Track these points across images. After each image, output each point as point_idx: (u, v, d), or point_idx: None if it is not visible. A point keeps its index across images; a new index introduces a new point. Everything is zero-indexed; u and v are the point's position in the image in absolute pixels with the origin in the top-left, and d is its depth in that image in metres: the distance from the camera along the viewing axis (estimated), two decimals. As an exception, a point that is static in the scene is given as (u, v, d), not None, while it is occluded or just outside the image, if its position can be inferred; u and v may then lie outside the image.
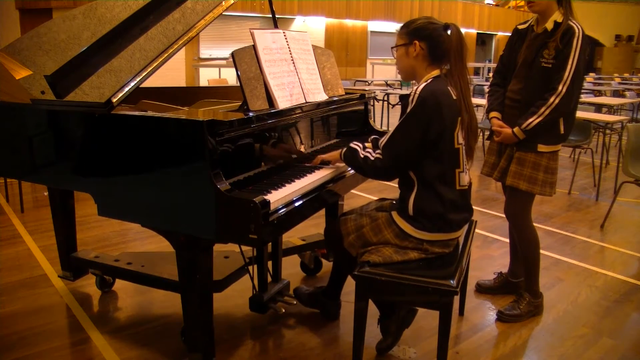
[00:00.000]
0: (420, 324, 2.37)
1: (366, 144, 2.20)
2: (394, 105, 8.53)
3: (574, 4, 2.31)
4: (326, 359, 2.17)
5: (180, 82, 12.83)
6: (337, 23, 17.26)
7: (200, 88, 3.28)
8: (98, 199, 1.89)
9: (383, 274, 1.86)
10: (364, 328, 1.95)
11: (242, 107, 2.00)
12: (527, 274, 2.55)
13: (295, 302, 2.40)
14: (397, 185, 2.02)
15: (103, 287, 2.71)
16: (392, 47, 1.99)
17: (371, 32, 18.01)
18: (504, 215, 2.60)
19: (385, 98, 8.32)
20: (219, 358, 2.12)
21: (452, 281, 1.82)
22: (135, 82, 1.81)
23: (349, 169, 2.12)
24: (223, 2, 2.07)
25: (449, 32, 1.89)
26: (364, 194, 4.50)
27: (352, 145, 1.99)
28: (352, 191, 4.35)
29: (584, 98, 6.55)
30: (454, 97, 1.88)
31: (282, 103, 2.04)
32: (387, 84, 11.20)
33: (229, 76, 9.52)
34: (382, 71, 16.48)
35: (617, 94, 9.25)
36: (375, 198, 2.32)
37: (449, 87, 1.88)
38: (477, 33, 21.27)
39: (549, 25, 2.29)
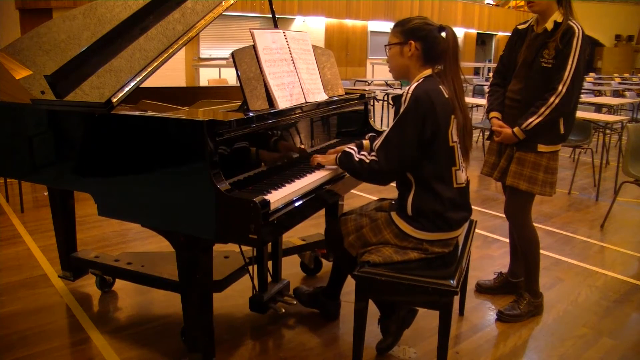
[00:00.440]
0: (420, 324, 2.37)
1: (364, 141, 2.20)
2: (393, 105, 8.51)
3: (574, 4, 2.31)
4: (326, 359, 2.17)
5: (180, 82, 12.83)
6: (337, 23, 17.26)
7: (200, 88, 3.28)
8: (98, 199, 1.89)
9: (383, 274, 1.86)
10: (364, 328, 1.95)
11: (242, 107, 2.00)
12: (527, 274, 2.55)
13: (295, 302, 2.40)
14: (395, 186, 2.02)
15: (103, 287, 2.71)
16: (385, 45, 1.98)
17: (371, 32, 18.02)
18: (504, 215, 2.60)
19: (385, 98, 8.32)
20: (219, 358, 2.12)
21: (452, 281, 1.82)
22: (135, 82, 1.81)
23: None
24: (223, 2, 2.07)
25: (443, 34, 1.89)
26: (364, 194, 4.50)
27: (346, 149, 1.98)
28: (352, 191, 4.35)
29: (584, 98, 6.55)
30: (447, 96, 1.88)
31: (282, 103, 2.04)
32: (387, 84, 11.19)
33: (229, 76, 9.52)
34: (382, 71, 16.44)
35: (617, 94, 9.25)
36: (375, 198, 2.32)
37: (440, 86, 1.88)
38: (477, 33, 21.28)
39: (549, 25, 2.29)
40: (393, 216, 1.96)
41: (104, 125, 1.83)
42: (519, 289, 2.63)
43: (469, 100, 6.93)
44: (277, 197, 1.71)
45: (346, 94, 2.60)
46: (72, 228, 2.67)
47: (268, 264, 2.42)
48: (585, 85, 9.42)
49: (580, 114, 4.11)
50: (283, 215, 1.68)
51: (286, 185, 1.84)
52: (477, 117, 8.39)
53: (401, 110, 1.84)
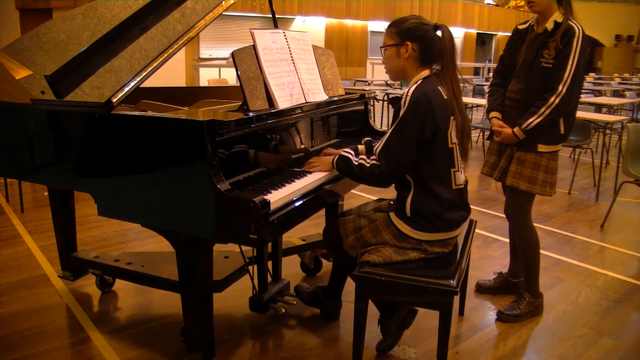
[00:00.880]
0: (420, 324, 2.37)
1: (359, 146, 2.19)
2: (393, 106, 8.51)
3: (574, 4, 2.31)
4: (326, 359, 2.17)
5: (180, 82, 12.82)
6: (337, 23, 17.25)
7: (200, 88, 3.28)
8: (98, 199, 1.89)
9: (383, 274, 1.86)
10: (364, 328, 1.95)
11: (242, 107, 2.00)
12: (527, 274, 2.55)
13: (295, 302, 2.40)
14: (394, 186, 2.02)
15: (103, 287, 2.71)
16: (381, 47, 1.97)
17: (371, 32, 18.01)
18: (504, 215, 2.60)
19: (385, 98, 8.32)
20: (219, 358, 2.12)
21: (452, 281, 1.82)
22: (135, 82, 1.81)
23: None
24: (223, 2, 2.07)
25: (439, 33, 1.88)
26: (363, 194, 4.50)
27: (343, 153, 1.97)
28: (352, 191, 4.35)
29: (584, 98, 6.55)
30: (445, 97, 1.87)
31: (282, 103, 2.04)
32: (387, 84, 11.19)
33: (229, 76, 9.51)
34: (382, 71, 16.32)
35: (617, 94, 9.25)
36: (375, 198, 2.32)
37: (439, 87, 1.87)
38: (477, 33, 21.27)
39: (549, 25, 2.29)
40: (392, 217, 1.96)
41: (104, 125, 1.83)
42: (519, 289, 2.63)
43: (469, 100, 6.93)
44: (277, 197, 1.71)
45: (346, 94, 2.60)
46: (72, 228, 2.67)
47: (268, 264, 2.42)
48: (585, 85, 9.42)
49: (580, 114, 4.11)
50: (283, 216, 1.67)
51: (286, 185, 1.84)
52: (477, 117, 8.40)
53: (401, 113, 1.83)
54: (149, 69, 1.85)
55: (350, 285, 2.16)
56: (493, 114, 2.51)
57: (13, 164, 2.26)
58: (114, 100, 1.76)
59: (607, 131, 5.16)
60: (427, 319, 2.40)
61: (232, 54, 1.92)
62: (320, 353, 2.21)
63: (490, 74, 9.83)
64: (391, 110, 8.77)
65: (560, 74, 2.24)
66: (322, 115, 2.35)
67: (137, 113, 1.85)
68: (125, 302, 2.64)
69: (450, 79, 1.89)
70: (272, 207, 1.62)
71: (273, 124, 1.96)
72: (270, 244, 2.43)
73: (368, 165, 1.88)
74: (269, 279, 2.43)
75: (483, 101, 5.60)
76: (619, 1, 22.84)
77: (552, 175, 2.40)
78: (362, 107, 2.74)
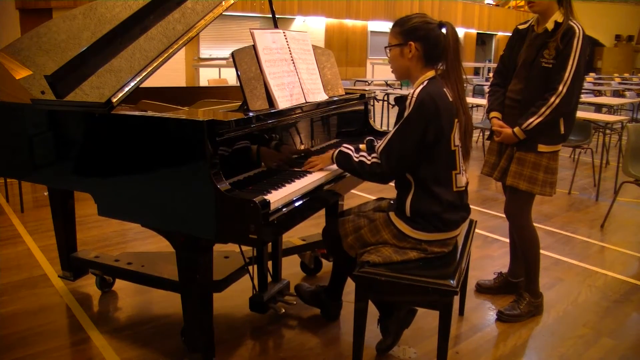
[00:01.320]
0: (420, 324, 2.37)
1: (360, 146, 2.19)
2: (393, 105, 8.52)
3: (574, 4, 2.31)
4: (326, 359, 2.17)
5: (180, 82, 12.82)
6: (337, 23, 17.25)
7: (200, 88, 3.28)
8: (98, 199, 1.89)
9: (383, 274, 1.86)
10: (364, 328, 1.95)
11: (242, 107, 2.00)
12: (527, 274, 2.55)
13: (295, 302, 2.39)
14: (394, 186, 2.02)
15: (103, 287, 2.71)
16: (385, 47, 1.96)
17: (371, 32, 18.01)
18: (504, 215, 2.60)
19: (385, 98, 8.32)
20: (219, 358, 2.12)
21: (452, 281, 1.82)
22: (135, 82, 1.81)
23: None
24: (223, 2, 2.07)
25: (444, 30, 1.87)
26: (363, 194, 4.50)
27: (343, 149, 1.96)
28: (352, 191, 4.35)
29: (584, 98, 6.55)
30: (450, 99, 1.86)
31: (282, 103, 2.04)
32: (387, 84, 11.19)
33: (229, 76, 9.51)
34: (382, 71, 16.44)
35: (617, 94, 9.25)
36: (375, 198, 2.32)
37: (444, 89, 1.86)
38: (477, 33, 21.27)
39: (550, 25, 2.29)
40: (391, 216, 1.96)
41: (104, 125, 1.83)
42: (519, 289, 2.63)
43: (469, 100, 6.92)
44: (277, 197, 1.71)
45: (346, 94, 2.60)
46: (72, 228, 2.67)
47: (268, 264, 2.42)
48: (585, 85, 9.42)
49: (580, 114, 4.11)
50: (283, 216, 1.67)
51: (286, 185, 1.84)
52: (477, 117, 8.39)
53: (405, 114, 1.82)
54: (149, 69, 1.85)
55: (350, 285, 2.16)
56: (493, 114, 2.51)
57: (13, 163, 2.26)
58: (114, 100, 1.76)
59: (607, 131, 5.16)
60: (427, 319, 2.40)
61: (232, 54, 1.92)
62: (320, 353, 2.21)
63: (490, 74, 9.84)
64: (392, 110, 8.80)
65: (561, 74, 2.24)
66: (322, 115, 2.35)
67: (137, 113, 1.85)
68: (125, 302, 2.64)
69: (455, 80, 1.87)
70: (272, 207, 1.62)
71: (273, 124, 1.96)
72: (270, 244, 2.43)
73: (369, 163, 1.88)
74: (269, 279, 2.43)
75: (483, 101, 5.60)
76: (619, 1, 22.83)
77: (552, 175, 2.40)
78: (362, 107, 2.74)
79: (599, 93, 9.04)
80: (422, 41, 1.87)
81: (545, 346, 2.31)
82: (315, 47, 2.42)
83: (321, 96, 2.33)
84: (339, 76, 2.58)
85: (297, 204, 1.77)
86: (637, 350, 2.29)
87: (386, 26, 17.99)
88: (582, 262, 3.23)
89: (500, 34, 21.91)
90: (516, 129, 2.35)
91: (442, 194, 1.89)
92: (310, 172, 2.01)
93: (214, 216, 1.62)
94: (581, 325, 2.48)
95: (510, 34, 2.54)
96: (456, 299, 1.98)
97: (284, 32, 2.22)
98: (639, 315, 2.61)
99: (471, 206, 2.08)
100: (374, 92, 3.34)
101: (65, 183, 2.14)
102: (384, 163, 1.85)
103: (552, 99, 2.25)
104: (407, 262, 1.91)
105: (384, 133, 1.92)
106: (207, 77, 11.11)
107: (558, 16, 2.28)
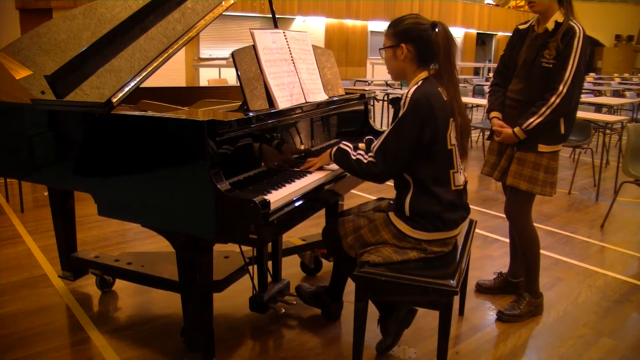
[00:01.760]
0: (420, 324, 2.37)
1: (360, 144, 2.19)
2: (393, 107, 8.51)
3: (574, 4, 2.31)
4: (326, 359, 2.17)
5: (180, 82, 12.82)
6: (337, 23, 17.26)
7: (200, 88, 3.28)
8: (98, 199, 1.89)
9: (383, 274, 1.86)
10: (364, 328, 1.95)
11: (242, 107, 2.00)
12: (527, 274, 2.55)
13: (295, 302, 2.39)
14: (393, 186, 2.02)
15: (103, 287, 2.71)
16: (380, 49, 1.98)
17: (371, 32, 18.01)
18: (504, 215, 2.60)
19: (385, 98, 8.32)
20: (219, 358, 2.12)
21: (452, 281, 1.82)
22: (135, 82, 1.81)
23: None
24: (223, 2, 2.07)
25: (436, 30, 1.86)
26: (363, 194, 4.50)
27: (342, 146, 1.97)
28: (352, 191, 4.35)
29: (584, 98, 6.55)
30: (445, 99, 1.87)
31: (282, 103, 2.04)
32: (387, 84, 11.20)
33: (229, 76, 9.51)
34: (382, 71, 16.44)
35: (617, 94, 9.25)
36: (375, 198, 2.32)
37: (439, 89, 1.87)
38: (477, 33, 21.28)
39: (550, 25, 2.29)
40: (391, 216, 1.96)
41: (104, 125, 1.83)
42: (519, 289, 2.63)
43: (469, 100, 6.92)
44: (277, 197, 1.71)
45: (346, 94, 2.61)
46: (72, 228, 2.66)
47: (268, 264, 2.42)
48: (586, 85, 9.42)
49: (580, 114, 4.10)
50: (283, 216, 1.67)
51: (286, 185, 1.84)
52: (477, 117, 8.40)
53: (400, 114, 1.83)
54: (149, 69, 1.85)
55: (350, 285, 2.16)
56: (493, 113, 2.51)
57: (13, 164, 2.26)
58: (114, 100, 1.76)
59: (607, 131, 5.16)
60: (427, 319, 2.40)
61: (232, 54, 1.92)
62: (320, 353, 2.21)
63: (490, 74, 9.83)
64: (391, 110, 8.80)
65: (561, 74, 2.24)
66: (322, 115, 2.35)
67: (137, 113, 1.85)
68: (125, 302, 2.64)
69: (448, 79, 1.87)
70: (272, 207, 1.62)
71: (273, 124, 1.96)
72: (270, 244, 2.43)
73: (365, 162, 1.89)
74: (269, 279, 2.43)
75: (483, 101, 5.60)
76: (619, 1, 22.84)
77: (553, 175, 2.40)
78: (362, 107, 2.74)
79: (599, 93, 9.04)
80: (414, 42, 1.87)
81: (545, 346, 2.31)
82: (315, 47, 2.42)
83: (321, 96, 2.33)
84: (339, 76, 2.58)
85: (297, 204, 1.77)
86: (637, 350, 2.29)
87: (386, 26, 18.09)
88: (582, 262, 3.23)
89: (500, 34, 21.91)
90: (516, 129, 2.35)
91: (441, 194, 1.89)
92: (310, 172, 2.01)
93: (214, 216, 1.62)
94: (581, 325, 2.48)
95: (511, 34, 2.54)
96: (456, 299, 1.98)
97: (284, 32, 2.22)
98: (639, 315, 2.61)
99: (471, 206, 2.08)
100: (374, 92, 3.34)
101: (65, 183, 2.14)
102: (379, 163, 1.86)
103: (553, 99, 2.25)
104: (407, 262, 1.91)
105: (384, 133, 1.92)
106: (207, 77, 11.11)
107: (558, 16, 2.28)
